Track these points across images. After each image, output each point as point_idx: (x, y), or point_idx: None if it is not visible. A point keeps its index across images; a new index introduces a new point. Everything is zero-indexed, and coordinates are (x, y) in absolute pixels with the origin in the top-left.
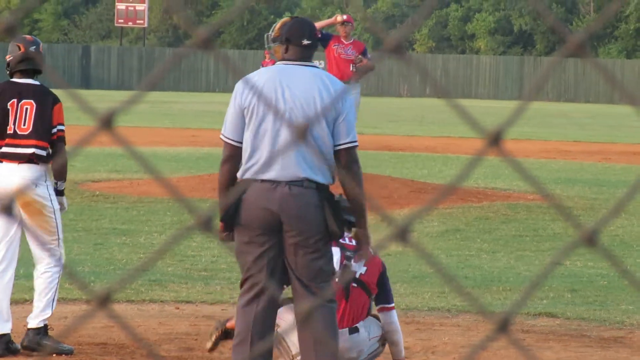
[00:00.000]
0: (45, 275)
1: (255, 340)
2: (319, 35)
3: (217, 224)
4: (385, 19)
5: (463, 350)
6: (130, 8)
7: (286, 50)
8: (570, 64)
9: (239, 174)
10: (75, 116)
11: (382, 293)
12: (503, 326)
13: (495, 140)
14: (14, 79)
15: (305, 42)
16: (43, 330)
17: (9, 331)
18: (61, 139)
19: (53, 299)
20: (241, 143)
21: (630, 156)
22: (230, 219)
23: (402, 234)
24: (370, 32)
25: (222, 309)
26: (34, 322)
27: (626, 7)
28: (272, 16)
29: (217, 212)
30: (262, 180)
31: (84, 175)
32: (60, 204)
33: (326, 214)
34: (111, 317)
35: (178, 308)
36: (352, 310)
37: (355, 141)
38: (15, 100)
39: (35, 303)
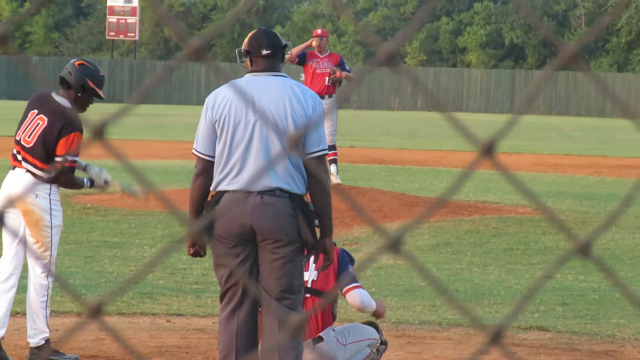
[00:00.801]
0: (35, 292)
1: (240, 353)
2: (282, 44)
3: (186, 237)
4: (377, 32)
5: None
6: (121, 21)
7: (250, 62)
8: (562, 77)
9: (212, 186)
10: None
11: (339, 282)
12: (496, 337)
13: (488, 150)
14: (52, 92)
15: (265, 52)
16: (47, 347)
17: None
18: (69, 170)
19: (46, 316)
20: (213, 157)
21: (621, 169)
22: (205, 231)
23: (394, 245)
24: (362, 44)
25: (214, 322)
26: (34, 340)
27: (617, 21)
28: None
29: (185, 226)
30: (234, 191)
31: None
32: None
33: (300, 223)
34: (103, 328)
35: (169, 321)
36: (312, 319)
37: (325, 149)
38: (35, 111)
39: (29, 321)
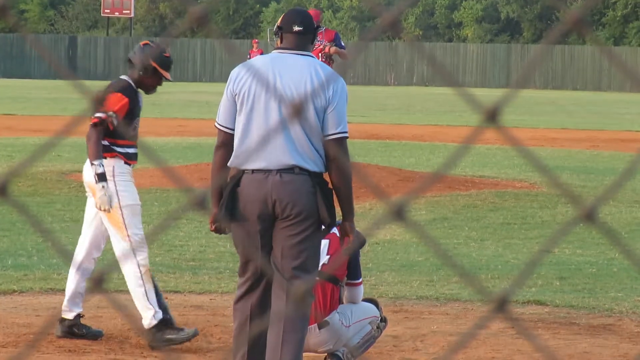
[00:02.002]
0: (127, 274)
1: (255, 329)
2: (315, 25)
3: (210, 210)
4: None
5: (452, 338)
6: None
7: (280, 39)
8: (558, 51)
9: (230, 161)
10: (61, 107)
11: (349, 270)
12: (501, 304)
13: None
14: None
15: (296, 28)
16: (161, 326)
17: (71, 317)
18: (93, 125)
19: (145, 293)
20: (233, 130)
21: (618, 143)
22: (228, 213)
23: (397, 213)
24: (357, 20)
25: (211, 299)
26: (145, 322)
27: None
28: (257, 5)
29: (209, 198)
30: (254, 171)
31: (71, 166)
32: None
33: (318, 200)
34: (105, 299)
35: (166, 298)
36: (318, 303)
37: (345, 132)
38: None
39: (138, 305)
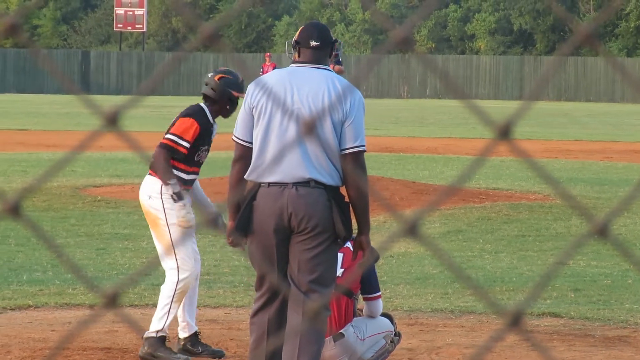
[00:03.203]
0: (164, 287)
1: (271, 346)
2: (332, 39)
3: (226, 224)
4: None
5: (467, 351)
6: (129, 12)
7: (298, 53)
8: (571, 62)
9: (247, 174)
10: (74, 122)
11: (365, 284)
12: (515, 320)
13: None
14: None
15: (313, 43)
16: (157, 341)
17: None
18: (163, 146)
19: (167, 313)
20: (251, 143)
21: (631, 154)
22: (244, 226)
23: (411, 229)
24: (370, 33)
25: (226, 313)
26: (148, 332)
27: (627, 5)
28: (270, 19)
29: (225, 212)
30: (270, 184)
31: (85, 181)
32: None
33: (333, 214)
34: (118, 318)
35: None
36: (332, 317)
37: (362, 146)
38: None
39: (155, 312)
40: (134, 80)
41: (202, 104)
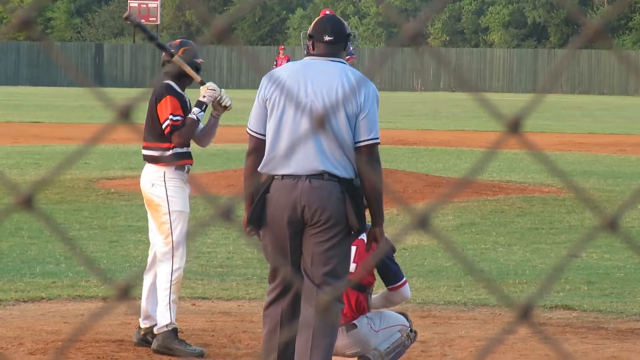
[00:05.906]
0: (159, 278)
1: (284, 336)
2: (347, 32)
3: (242, 216)
4: (398, 13)
5: (480, 343)
6: (142, 5)
7: (312, 46)
8: (584, 55)
9: (260, 166)
10: (88, 115)
11: (384, 275)
12: (525, 313)
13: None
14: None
15: (327, 38)
16: (170, 335)
17: (143, 326)
18: (173, 128)
19: (168, 303)
20: (265, 136)
21: None
22: (257, 219)
23: (422, 222)
24: (383, 26)
25: (239, 305)
26: (158, 328)
27: None
28: (284, 12)
29: (241, 204)
30: (283, 177)
31: (98, 173)
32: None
33: (347, 206)
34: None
35: (194, 304)
36: (346, 310)
37: (376, 138)
38: (149, 102)
39: (157, 308)
40: (148, 73)
41: (167, 82)
